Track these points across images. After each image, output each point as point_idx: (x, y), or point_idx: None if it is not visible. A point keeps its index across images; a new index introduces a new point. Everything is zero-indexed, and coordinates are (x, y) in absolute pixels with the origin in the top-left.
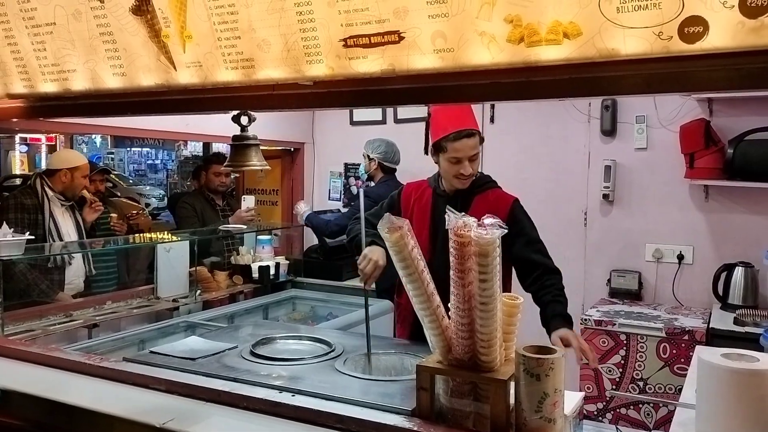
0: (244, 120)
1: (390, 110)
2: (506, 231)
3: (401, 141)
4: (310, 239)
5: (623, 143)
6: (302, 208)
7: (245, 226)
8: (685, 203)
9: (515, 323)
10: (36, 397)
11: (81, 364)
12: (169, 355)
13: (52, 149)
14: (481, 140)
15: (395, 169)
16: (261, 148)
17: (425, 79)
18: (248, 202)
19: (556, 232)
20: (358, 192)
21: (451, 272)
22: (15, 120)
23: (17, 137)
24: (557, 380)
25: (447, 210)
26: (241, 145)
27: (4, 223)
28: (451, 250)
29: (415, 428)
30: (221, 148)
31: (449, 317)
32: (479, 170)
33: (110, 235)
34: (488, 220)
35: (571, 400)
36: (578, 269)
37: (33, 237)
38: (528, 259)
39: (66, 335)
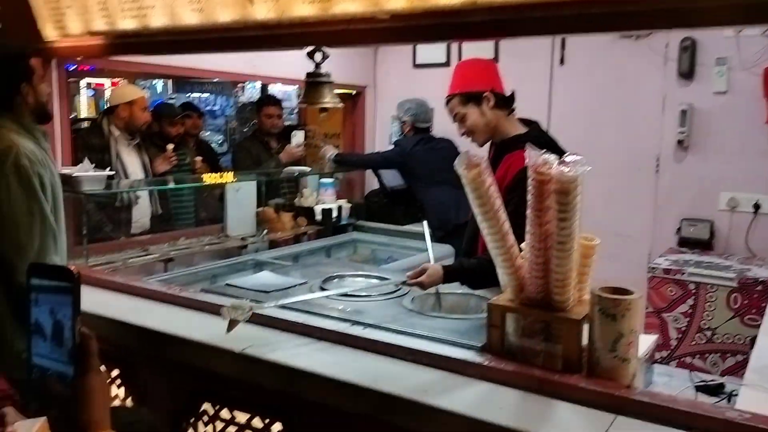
0: (318, 57)
1: (455, 51)
2: (590, 168)
3: None
4: (371, 183)
5: (701, 86)
6: (329, 151)
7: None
8: (765, 150)
9: (590, 264)
10: (123, 323)
11: (162, 294)
12: (243, 288)
13: None
14: (470, 98)
15: (428, 128)
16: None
17: (508, 11)
18: (298, 137)
19: (625, 179)
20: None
21: (528, 210)
22: (95, 59)
23: (83, 82)
24: (633, 321)
25: (527, 146)
26: (315, 82)
27: (86, 158)
28: (529, 188)
29: (486, 363)
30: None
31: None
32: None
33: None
34: (571, 157)
35: (644, 342)
36: (647, 217)
37: (113, 173)
38: None
39: (143, 268)
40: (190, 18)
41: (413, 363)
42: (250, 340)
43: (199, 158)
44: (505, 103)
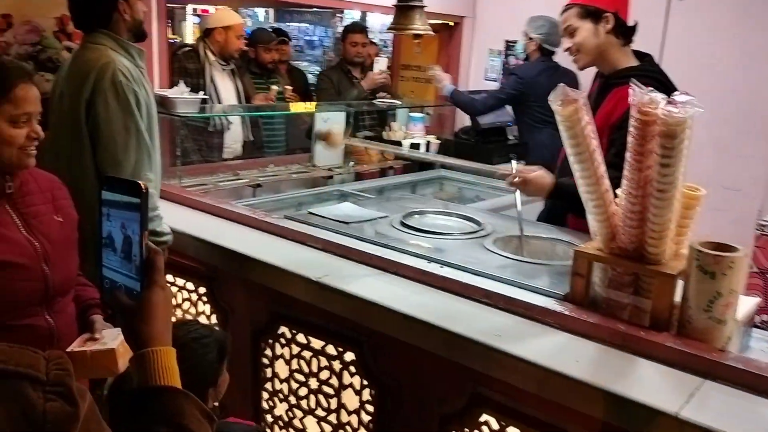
0: None
1: None
2: (701, 110)
3: None
4: (462, 120)
5: None
6: (446, 82)
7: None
8: None
9: (692, 216)
10: (211, 243)
11: (247, 217)
12: (325, 217)
13: None
14: (589, 13)
15: (554, 52)
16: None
17: None
18: (380, 64)
19: (740, 127)
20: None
21: (627, 154)
22: None
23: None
24: (734, 281)
25: (631, 83)
26: (405, 6)
27: (182, 81)
28: (631, 129)
29: (567, 312)
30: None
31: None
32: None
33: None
34: (682, 97)
35: (744, 304)
36: (759, 169)
37: (206, 96)
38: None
39: (233, 192)
40: None
41: (489, 306)
42: (327, 269)
43: (289, 87)
44: (624, 32)
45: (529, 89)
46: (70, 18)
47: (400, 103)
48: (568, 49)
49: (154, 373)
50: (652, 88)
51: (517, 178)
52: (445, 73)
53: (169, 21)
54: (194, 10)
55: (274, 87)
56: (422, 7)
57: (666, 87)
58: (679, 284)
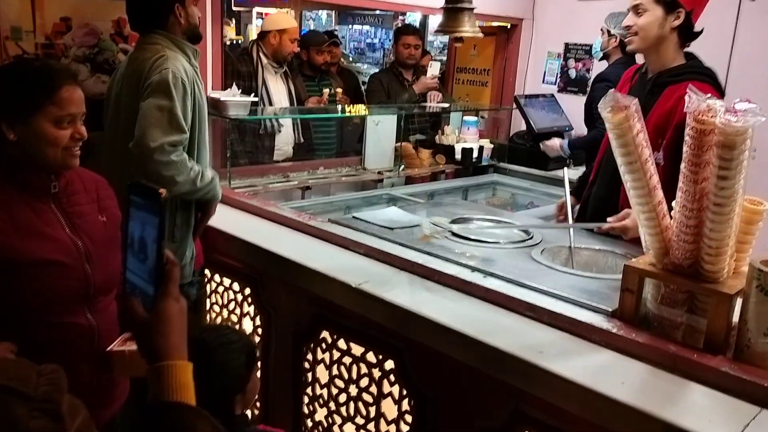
0: None
1: None
2: (763, 119)
3: None
4: (518, 124)
5: None
6: (557, 150)
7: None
8: None
9: (754, 232)
10: (256, 246)
11: (292, 220)
12: (369, 222)
13: None
14: (666, 1)
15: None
16: (476, 23)
17: None
18: (434, 68)
19: None
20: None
21: (683, 165)
22: None
23: (254, 11)
24: None
25: (688, 91)
26: (454, 8)
27: (234, 84)
28: (687, 138)
29: (614, 330)
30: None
31: (671, 216)
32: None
33: (329, 105)
34: (742, 104)
35: None
36: None
37: (257, 99)
38: None
39: (283, 194)
40: None
41: (533, 320)
42: (368, 276)
43: (339, 90)
44: (688, 34)
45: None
46: (127, 20)
47: (450, 106)
48: (627, 27)
49: (168, 388)
50: (710, 95)
51: (615, 227)
52: (496, 78)
53: (233, 21)
54: (258, 14)
55: (326, 90)
56: (471, 9)
57: (721, 90)
58: (739, 303)
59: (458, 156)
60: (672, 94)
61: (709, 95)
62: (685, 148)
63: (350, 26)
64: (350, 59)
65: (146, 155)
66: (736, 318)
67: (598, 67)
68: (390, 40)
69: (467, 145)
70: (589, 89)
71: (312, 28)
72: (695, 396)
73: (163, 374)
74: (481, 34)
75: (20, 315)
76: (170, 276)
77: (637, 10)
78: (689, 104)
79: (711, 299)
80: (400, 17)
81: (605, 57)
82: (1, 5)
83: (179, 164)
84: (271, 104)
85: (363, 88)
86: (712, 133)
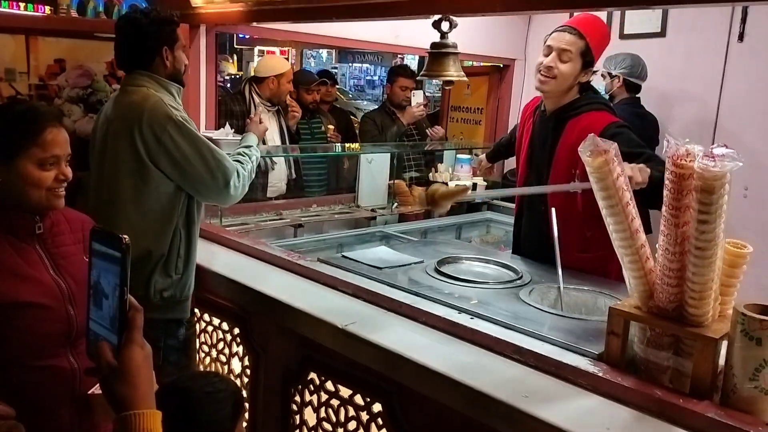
0: (444, 26)
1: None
2: (741, 164)
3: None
4: (511, 162)
5: None
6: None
7: (438, 142)
8: None
9: (738, 275)
10: (244, 285)
11: (281, 259)
12: (358, 261)
13: None
14: (587, 55)
15: (640, 87)
16: (467, 63)
17: None
18: (417, 97)
19: None
20: None
21: (664, 208)
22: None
23: (256, 50)
24: None
25: (666, 136)
26: (438, 53)
27: (227, 123)
28: (667, 182)
29: (600, 374)
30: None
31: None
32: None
33: (320, 143)
34: (720, 149)
35: None
36: None
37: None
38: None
39: (275, 231)
40: None
41: (519, 363)
42: (354, 317)
43: (331, 127)
44: (585, 85)
45: None
46: (114, 57)
47: (442, 145)
48: (548, 68)
49: None
50: (688, 140)
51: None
52: (490, 117)
53: (235, 57)
54: (260, 52)
55: (289, 99)
56: (456, 53)
57: (614, 113)
58: (725, 347)
59: None
60: (574, 126)
61: (687, 140)
62: (665, 192)
63: (350, 64)
64: (350, 96)
65: (231, 199)
66: (722, 361)
67: None
68: None
69: (461, 183)
70: None
71: (313, 65)
72: None
73: (129, 423)
74: (465, 78)
75: (1, 357)
76: (133, 323)
77: (562, 56)
78: (668, 149)
79: (696, 343)
80: (399, 56)
81: (611, 99)
82: None
83: (244, 179)
84: (264, 142)
85: (356, 127)
86: (691, 178)
